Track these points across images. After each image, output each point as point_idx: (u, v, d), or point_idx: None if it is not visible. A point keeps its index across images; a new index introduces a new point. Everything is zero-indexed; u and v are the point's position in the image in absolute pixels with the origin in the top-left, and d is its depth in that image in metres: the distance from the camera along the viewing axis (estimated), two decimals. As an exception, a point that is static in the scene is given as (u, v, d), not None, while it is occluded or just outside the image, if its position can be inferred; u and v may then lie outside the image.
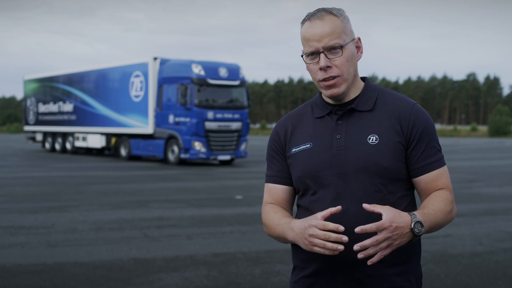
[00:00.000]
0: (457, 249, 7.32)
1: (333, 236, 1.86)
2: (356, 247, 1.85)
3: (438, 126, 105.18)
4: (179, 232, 8.33)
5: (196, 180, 16.16)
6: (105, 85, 25.59)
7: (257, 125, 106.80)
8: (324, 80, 2.05)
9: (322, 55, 2.02)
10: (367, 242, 1.84)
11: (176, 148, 21.48)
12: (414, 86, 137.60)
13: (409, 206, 2.11)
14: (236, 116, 21.65)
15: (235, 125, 21.59)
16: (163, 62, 22.31)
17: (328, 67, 2.03)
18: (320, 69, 2.04)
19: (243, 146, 22.02)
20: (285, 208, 2.22)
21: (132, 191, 13.23)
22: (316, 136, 2.12)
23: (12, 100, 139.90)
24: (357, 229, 1.84)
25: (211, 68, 21.22)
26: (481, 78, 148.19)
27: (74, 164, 21.74)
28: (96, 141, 26.30)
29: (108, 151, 26.78)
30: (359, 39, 2.13)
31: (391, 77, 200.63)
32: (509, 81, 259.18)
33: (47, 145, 30.88)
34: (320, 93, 2.19)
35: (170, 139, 21.69)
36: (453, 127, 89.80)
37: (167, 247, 7.39)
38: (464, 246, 7.48)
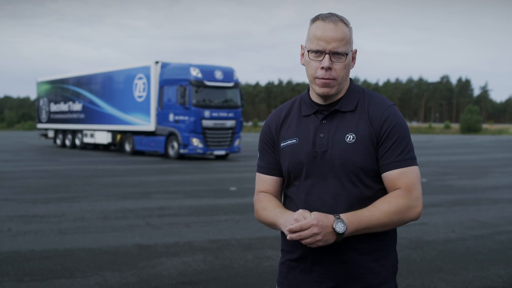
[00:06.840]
0: (432, 236, 7.35)
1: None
2: (288, 237, 1.91)
3: (414, 124, 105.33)
4: (178, 221, 8.32)
5: (194, 173, 16.12)
6: (111, 86, 25.46)
7: (250, 123, 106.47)
8: (322, 78, 2.03)
9: (327, 56, 2.00)
10: (293, 235, 1.88)
11: (175, 144, 21.42)
12: (392, 88, 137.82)
13: None
14: (231, 115, 21.59)
15: (230, 123, 21.53)
16: (164, 65, 22.22)
17: (329, 68, 2.02)
18: (322, 68, 2.02)
19: (236, 142, 21.98)
20: (275, 196, 2.22)
21: (136, 183, 13.19)
22: (302, 133, 2.11)
23: (26, 100, 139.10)
24: (285, 230, 1.92)
25: (208, 71, 21.15)
26: (454, 80, 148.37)
27: (82, 159, 21.64)
28: (103, 137, 26.22)
29: (114, 147, 26.67)
30: (355, 51, 2.12)
31: (372, 79, 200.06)
32: (479, 83, 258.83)
33: (58, 141, 30.74)
34: (308, 91, 2.18)
35: (170, 136, 21.64)
36: (428, 125, 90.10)
37: (167, 234, 7.37)
38: (438, 233, 7.51)
